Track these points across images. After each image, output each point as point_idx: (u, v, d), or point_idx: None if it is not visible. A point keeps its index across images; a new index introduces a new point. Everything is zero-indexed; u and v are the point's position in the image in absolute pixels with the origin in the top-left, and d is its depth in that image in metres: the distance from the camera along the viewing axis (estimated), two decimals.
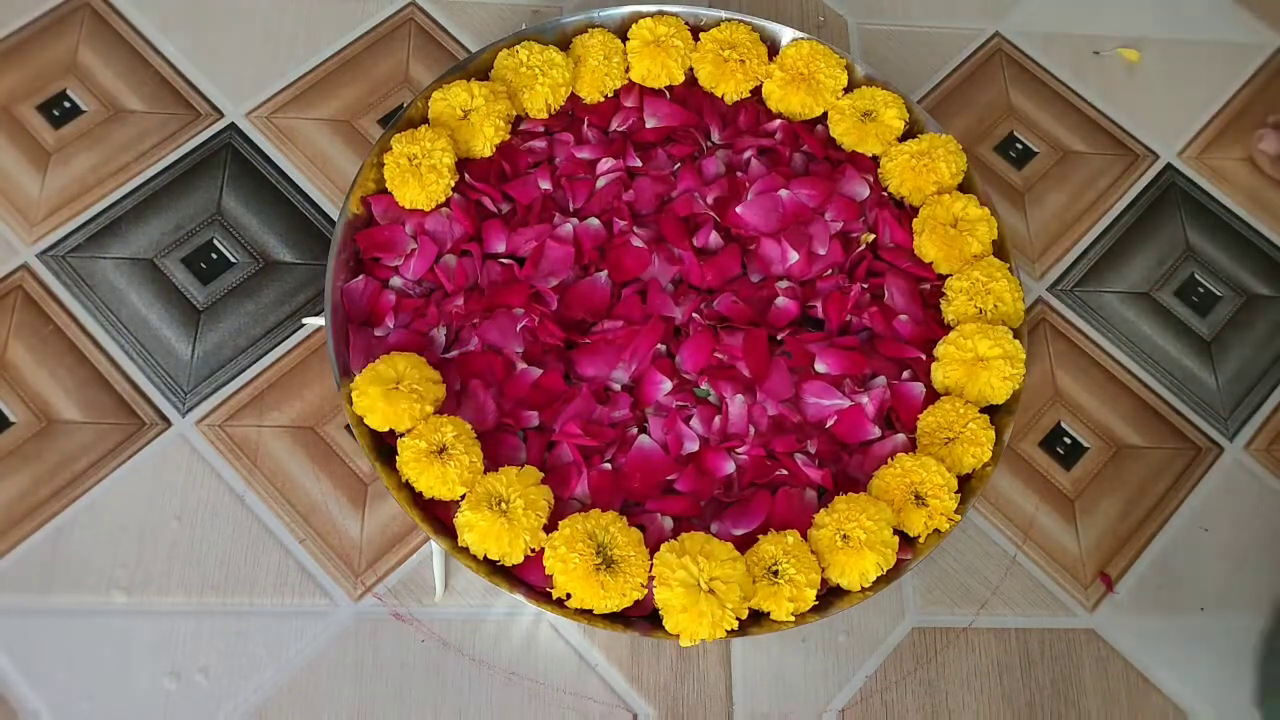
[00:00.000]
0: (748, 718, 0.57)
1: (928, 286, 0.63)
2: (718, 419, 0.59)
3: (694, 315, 0.61)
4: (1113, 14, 0.81)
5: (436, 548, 0.58)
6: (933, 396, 0.60)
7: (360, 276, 0.60)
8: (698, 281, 0.62)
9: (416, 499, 0.55)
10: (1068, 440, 0.66)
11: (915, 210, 0.64)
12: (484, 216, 0.63)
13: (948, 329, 0.61)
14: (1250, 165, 0.76)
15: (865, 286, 0.63)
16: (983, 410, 0.58)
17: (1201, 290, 0.72)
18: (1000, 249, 0.63)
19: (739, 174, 0.65)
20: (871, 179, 0.66)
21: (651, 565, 0.52)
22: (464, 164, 0.64)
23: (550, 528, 0.53)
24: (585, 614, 0.52)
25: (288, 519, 0.59)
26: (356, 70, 0.72)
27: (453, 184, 0.62)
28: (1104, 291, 0.71)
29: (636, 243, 0.62)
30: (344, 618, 0.58)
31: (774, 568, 0.52)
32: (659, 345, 0.59)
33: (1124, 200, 0.74)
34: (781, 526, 0.55)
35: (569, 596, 0.51)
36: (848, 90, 0.67)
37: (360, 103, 0.71)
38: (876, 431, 0.59)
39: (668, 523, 0.56)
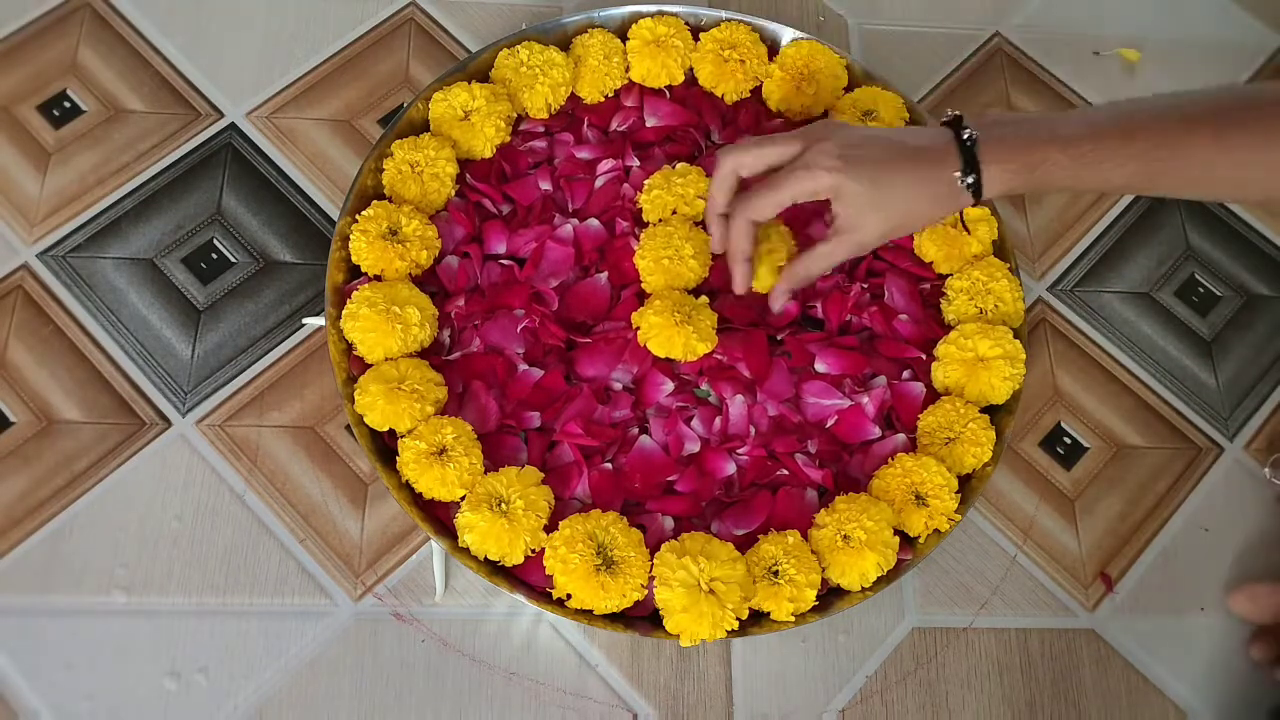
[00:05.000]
0: (748, 718, 0.57)
1: (928, 286, 0.63)
2: (718, 419, 0.59)
3: None
4: (1113, 14, 0.81)
5: (437, 548, 0.58)
6: (933, 396, 0.60)
7: (361, 276, 0.60)
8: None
9: (417, 499, 0.55)
10: (1068, 440, 0.66)
11: None
12: (484, 218, 0.63)
13: (948, 329, 0.61)
14: None
15: (865, 286, 0.63)
16: (983, 410, 0.58)
17: (1201, 290, 0.72)
18: (1000, 249, 0.63)
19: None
20: None
21: (652, 565, 0.52)
22: (465, 164, 0.64)
23: (551, 528, 0.53)
24: (585, 614, 0.52)
25: (288, 519, 0.59)
26: (356, 70, 0.72)
27: (453, 193, 0.62)
28: (1104, 291, 0.71)
29: (636, 244, 0.62)
30: (344, 618, 0.57)
31: (774, 568, 0.52)
32: None
33: (1124, 200, 0.74)
34: (782, 526, 0.55)
35: (569, 597, 0.51)
36: (848, 90, 0.67)
37: (360, 103, 0.71)
38: (877, 431, 0.59)
39: (668, 523, 0.56)
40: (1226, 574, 0.63)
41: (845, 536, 0.53)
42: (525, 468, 0.54)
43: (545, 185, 0.64)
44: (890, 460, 0.57)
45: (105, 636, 0.56)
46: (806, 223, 0.64)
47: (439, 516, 0.55)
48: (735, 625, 0.50)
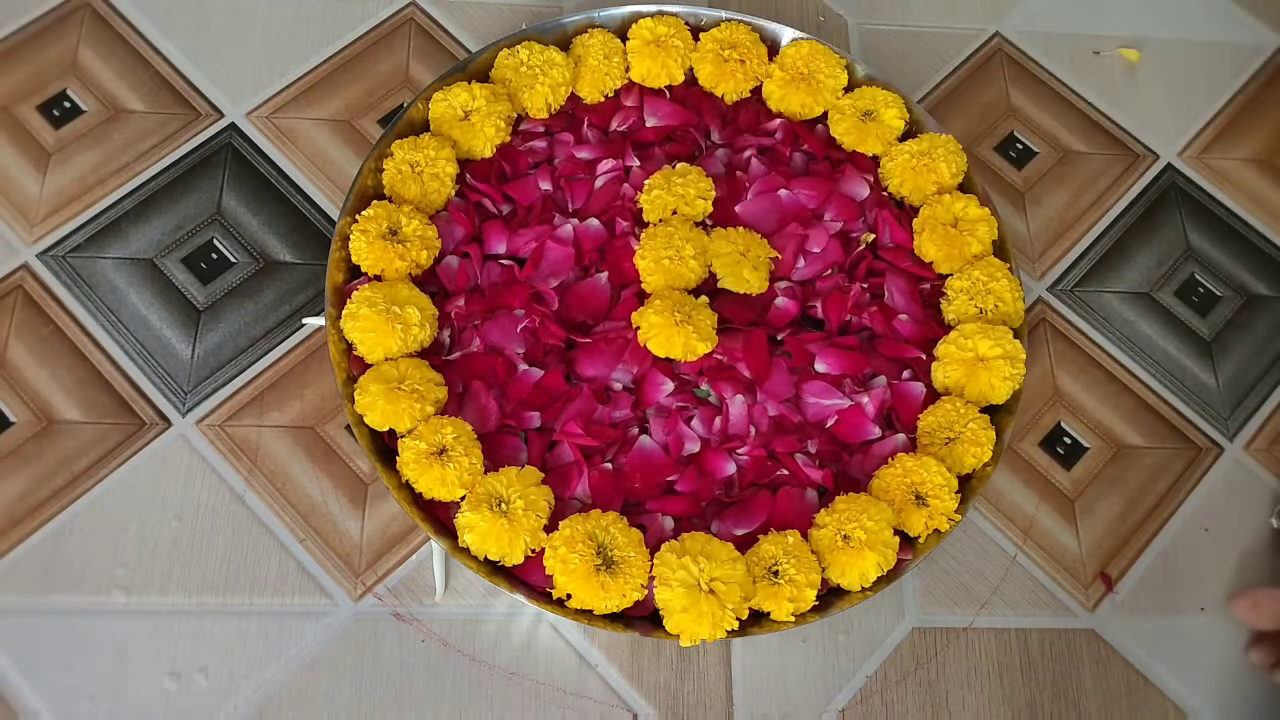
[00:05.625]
0: (748, 718, 0.57)
1: (928, 286, 0.63)
2: (718, 419, 0.59)
3: None
4: (1113, 14, 0.81)
5: (437, 548, 0.58)
6: (933, 396, 0.60)
7: (361, 276, 0.60)
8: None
9: (417, 499, 0.55)
10: (1068, 440, 0.66)
11: (915, 210, 0.64)
12: (484, 218, 0.63)
13: (948, 329, 0.61)
14: (1250, 165, 0.76)
15: (865, 286, 0.63)
16: (983, 410, 0.58)
17: (1201, 290, 0.72)
18: (1000, 249, 0.63)
19: (739, 173, 0.65)
20: (871, 179, 0.66)
21: (652, 565, 0.52)
22: (465, 165, 0.64)
23: (551, 528, 0.53)
24: (585, 614, 0.52)
25: (288, 519, 0.59)
26: (356, 70, 0.72)
27: (454, 193, 0.62)
28: (1104, 291, 0.71)
29: (636, 244, 0.62)
30: (344, 618, 0.58)
31: (774, 568, 0.52)
32: None
33: (1124, 200, 0.74)
34: (782, 526, 0.55)
35: (569, 597, 0.51)
36: (848, 90, 0.67)
37: (360, 103, 0.71)
38: (877, 431, 0.59)
39: (668, 523, 0.56)
40: (1226, 574, 0.63)
41: (845, 536, 0.53)
42: (525, 468, 0.54)
43: (545, 185, 0.64)
44: (890, 460, 0.57)
45: (105, 636, 0.56)
46: (807, 222, 0.64)
47: (439, 516, 0.55)
48: (735, 625, 0.50)
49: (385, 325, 0.55)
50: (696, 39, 0.68)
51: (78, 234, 0.65)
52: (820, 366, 0.60)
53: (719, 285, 0.61)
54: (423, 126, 0.64)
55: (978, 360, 0.58)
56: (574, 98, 0.67)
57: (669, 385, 0.59)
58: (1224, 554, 0.64)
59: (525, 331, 0.60)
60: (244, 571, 0.58)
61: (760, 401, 0.59)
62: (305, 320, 0.64)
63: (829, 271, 0.63)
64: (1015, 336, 0.59)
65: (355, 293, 0.56)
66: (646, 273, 0.60)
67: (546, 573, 0.52)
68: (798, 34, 0.68)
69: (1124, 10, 0.82)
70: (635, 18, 0.68)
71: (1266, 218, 0.74)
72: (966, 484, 0.58)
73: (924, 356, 0.61)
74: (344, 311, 0.56)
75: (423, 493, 0.54)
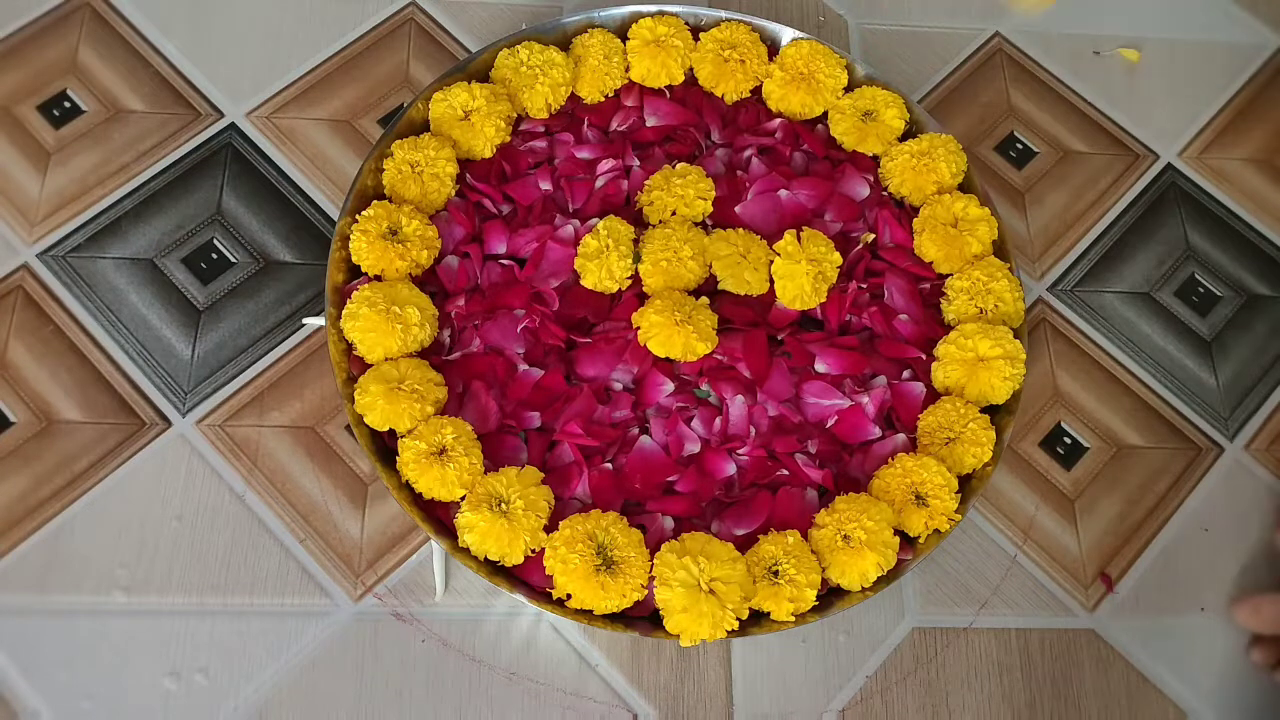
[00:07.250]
0: (748, 718, 0.57)
1: (927, 286, 0.63)
2: (718, 420, 0.59)
3: None
4: (1113, 14, 0.81)
5: (437, 548, 0.58)
6: (933, 396, 0.60)
7: (361, 276, 0.60)
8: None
9: (417, 499, 0.55)
10: (1068, 440, 0.66)
11: (915, 210, 0.64)
12: (484, 218, 0.63)
13: (948, 329, 0.61)
14: (1250, 165, 0.76)
15: (864, 286, 0.63)
16: (983, 410, 0.58)
17: (1201, 290, 0.72)
18: (1000, 249, 0.63)
19: (739, 173, 0.65)
20: (871, 179, 0.66)
21: (652, 565, 0.52)
22: (465, 165, 0.64)
23: (551, 528, 0.53)
24: (585, 614, 0.52)
25: (288, 519, 0.59)
26: (356, 70, 0.72)
27: (454, 193, 0.62)
28: (1104, 291, 0.71)
29: None
30: (344, 618, 0.58)
31: (774, 568, 0.52)
32: None
33: (1124, 200, 0.74)
34: (782, 526, 0.55)
35: (569, 597, 0.51)
36: (848, 90, 0.67)
37: (360, 103, 0.71)
38: (877, 431, 0.59)
39: (668, 523, 0.56)
40: (1226, 574, 0.63)
41: (845, 536, 0.53)
42: (525, 468, 0.54)
43: (545, 185, 0.64)
44: (890, 460, 0.57)
45: (105, 636, 0.56)
46: (807, 222, 0.64)
47: (439, 516, 0.55)
48: (735, 625, 0.50)
49: (385, 325, 0.55)
50: (696, 39, 0.68)
51: (78, 234, 0.65)
52: (820, 366, 0.60)
53: (719, 287, 0.61)
54: (423, 126, 0.64)
55: (978, 360, 0.58)
56: (574, 98, 0.67)
57: (669, 385, 0.59)
58: (1224, 554, 0.64)
59: (525, 331, 0.60)
60: (244, 571, 0.58)
61: (760, 402, 0.59)
62: (305, 320, 0.64)
63: None
64: (1015, 336, 0.59)
65: (355, 293, 0.56)
66: (646, 274, 0.60)
67: (546, 573, 0.52)
68: (798, 34, 0.68)
69: (1124, 10, 0.82)
70: (635, 18, 0.68)
71: (1266, 218, 0.74)
72: (966, 484, 0.58)
73: (924, 356, 0.61)
74: (344, 311, 0.56)
75: (423, 493, 0.54)
